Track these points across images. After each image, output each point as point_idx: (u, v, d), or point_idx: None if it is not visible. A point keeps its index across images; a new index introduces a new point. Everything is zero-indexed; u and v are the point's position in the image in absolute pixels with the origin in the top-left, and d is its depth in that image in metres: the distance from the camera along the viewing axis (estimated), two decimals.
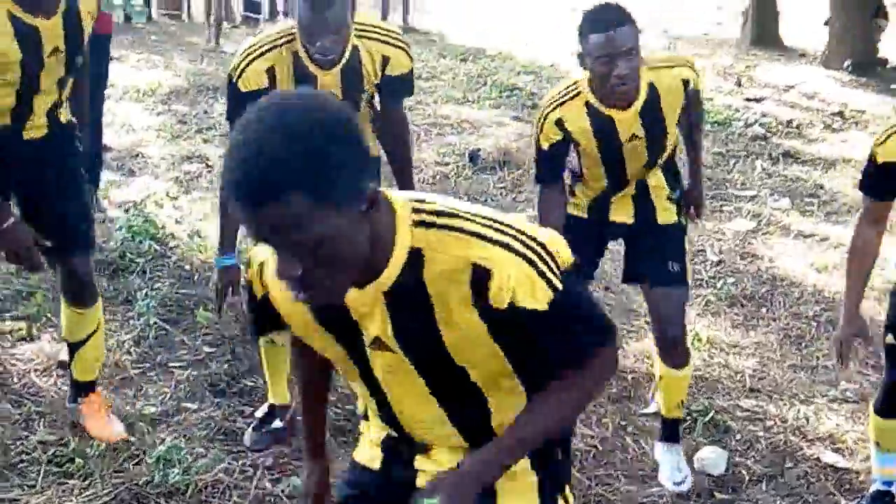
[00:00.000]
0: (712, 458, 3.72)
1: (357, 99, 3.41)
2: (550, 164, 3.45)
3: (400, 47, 3.50)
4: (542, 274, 1.63)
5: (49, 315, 4.36)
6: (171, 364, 4.16)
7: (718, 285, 5.41)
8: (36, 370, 3.99)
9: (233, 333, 4.41)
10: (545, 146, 3.41)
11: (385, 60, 3.43)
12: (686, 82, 3.37)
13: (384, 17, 14.38)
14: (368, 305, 1.67)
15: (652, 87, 3.30)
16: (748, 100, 10.31)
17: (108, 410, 3.62)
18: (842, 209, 6.93)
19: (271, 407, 3.72)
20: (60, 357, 3.93)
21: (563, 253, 1.69)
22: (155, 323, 4.42)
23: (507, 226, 1.65)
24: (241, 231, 3.52)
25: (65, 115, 3.42)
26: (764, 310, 5.17)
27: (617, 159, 3.39)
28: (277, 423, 3.70)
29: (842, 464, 3.79)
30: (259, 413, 3.74)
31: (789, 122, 9.42)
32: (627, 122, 3.31)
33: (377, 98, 3.61)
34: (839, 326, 3.26)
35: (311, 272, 1.52)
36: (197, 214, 5.89)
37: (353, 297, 1.65)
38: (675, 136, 3.47)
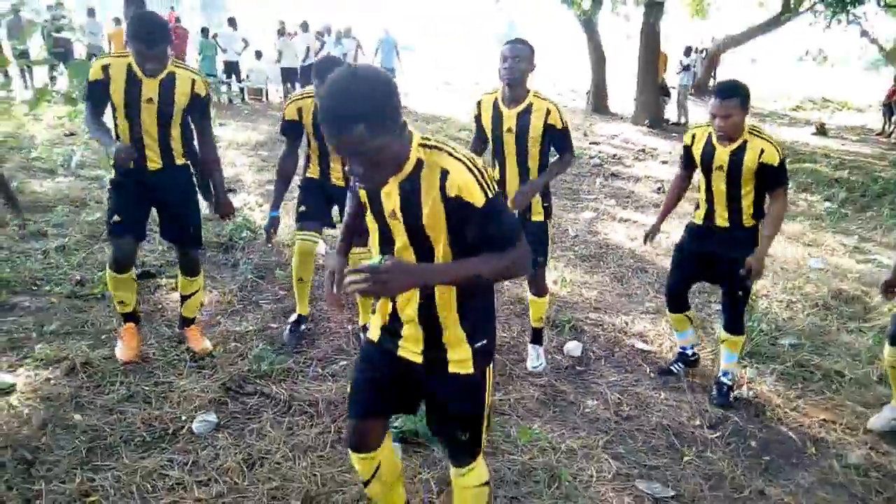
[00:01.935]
0: (573, 347, 3.76)
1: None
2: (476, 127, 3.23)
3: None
4: (479, 182, 1.58)
5: None
6: (261, 301, 4.11)
7: (575, 249, 5.43)
8: None
9: None
10: (472, 116, 3.24)
11: None
12: (548, 112, 3.05)
13: None
14: (390, 189, 1.66)
15: (532, 105, 3.07)
16: (591, 143, 10.36)
17: (203, 333, 3.46)
18: (644, 204, 6.99)
19: (300, 316, 3.68)
20: None
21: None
22: (251, 277, 4.37)
23: (466, 156, 1.62)
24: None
25: (179, 158, 3.08)
26: (602, 263, 5.20)
27: (500, 143, 3.14)
28: (303, 327, 3.67)
29: (646, 348, 3.85)
30: (291, 319, 3.70)
31: (614, 155, 9.47)
32: (509, 116, 3.09)
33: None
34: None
35: (368, 169, 1.55)
36: None
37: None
38: (535, 144, 3.07)
